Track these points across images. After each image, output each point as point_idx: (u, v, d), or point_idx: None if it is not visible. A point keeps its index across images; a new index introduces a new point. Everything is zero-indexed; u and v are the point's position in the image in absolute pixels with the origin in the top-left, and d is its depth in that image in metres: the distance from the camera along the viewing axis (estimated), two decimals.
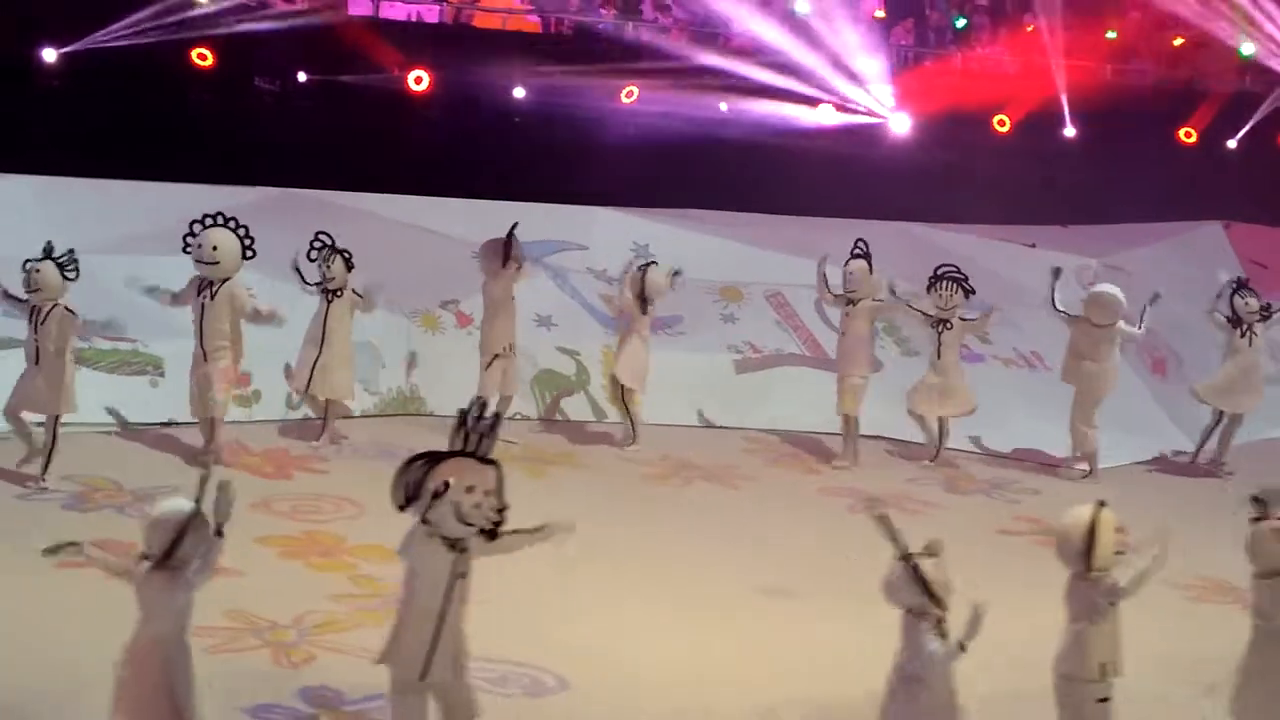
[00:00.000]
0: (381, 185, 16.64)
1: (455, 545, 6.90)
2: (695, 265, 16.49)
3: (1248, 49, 21.68)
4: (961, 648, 7.05)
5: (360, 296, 13.78)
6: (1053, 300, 15.10)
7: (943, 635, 7.13)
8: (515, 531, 7.18)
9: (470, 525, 6.85)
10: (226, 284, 12.64)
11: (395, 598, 8.01)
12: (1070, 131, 20.54)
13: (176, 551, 6.77)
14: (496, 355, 14.20)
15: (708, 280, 16.71)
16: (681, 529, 12.33)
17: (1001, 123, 20.35)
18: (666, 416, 15.40)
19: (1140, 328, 15.00)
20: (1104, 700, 7.63)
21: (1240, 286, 15.44)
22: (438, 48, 18.53)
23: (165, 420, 13.82)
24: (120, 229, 14.99)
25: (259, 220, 14.55)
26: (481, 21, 19.80)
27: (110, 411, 13.77)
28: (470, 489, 6.82)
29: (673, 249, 16.45)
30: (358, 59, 17.57)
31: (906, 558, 7.12)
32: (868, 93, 19.93)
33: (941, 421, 15.01)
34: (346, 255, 13.63)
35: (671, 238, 16.82)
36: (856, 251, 14.67)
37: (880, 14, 21.68)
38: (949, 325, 14.73)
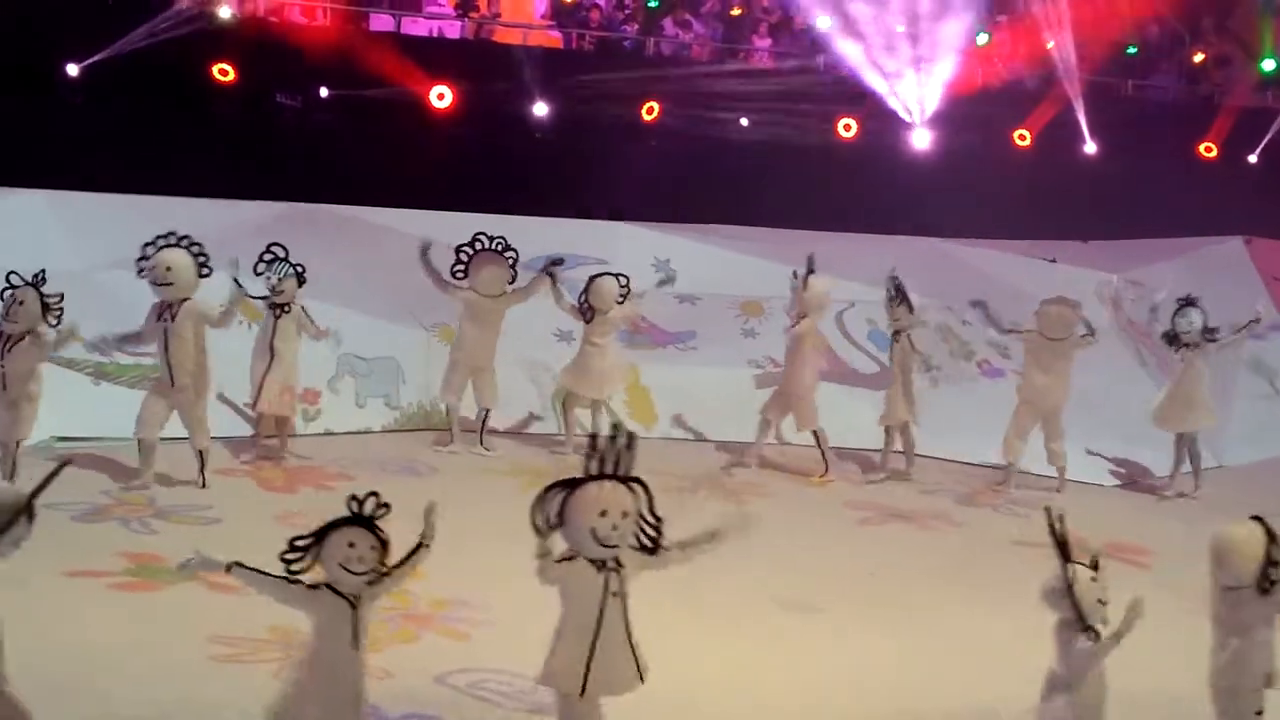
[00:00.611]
0: (402, 200, 16.64)
1: (603, 566, 6.95)
2: (716, 280, 16.57)
3: (1269, 65, 21.63)
4: (1117, 638, 7.13)
5: (310, 319, 13.56)
6: (996, 328, 15.06)
7: (1094, 640, 7.20)
8: (682, 544, 7.36)
9: (611, 548, 6.89)
10: (186, 304, 12.22)
11: (420, 613, 8.04)
12: (1091, 147, 20.47)
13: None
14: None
15: (728, 295, 16.73)
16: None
17: (1022, 137, 20.28)
18: (683, 431, 15.35)
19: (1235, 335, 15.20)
20: (1259, 713, 7.66)
21: (1184, 305, 15.17)
22: (459, 63, 18.52)
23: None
24: (141, 243, 15.01)
25: (281, 235, 14.64)
26: (503, 37, 19.82)
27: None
28: (604, 513, 6.85)
29: (693, 263, 16.49)
30: (379, 74, 17.56)
31: (1065, 569, 7.22)
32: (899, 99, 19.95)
33: (903, 430, 14.94)
34: (299, 270, 13.38)
35: (692, 252, 16.82)
36: (808, 269, 14.62)
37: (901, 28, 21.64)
38: (898, 338, 14.71)
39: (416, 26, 19.24)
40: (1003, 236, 19.13)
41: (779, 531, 12.81)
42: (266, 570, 7.02)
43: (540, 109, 18.48)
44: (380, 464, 13.90)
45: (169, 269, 12.11)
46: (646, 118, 18.82)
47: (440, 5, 19.87)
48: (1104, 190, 20.28)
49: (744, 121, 19.20)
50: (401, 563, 7.12)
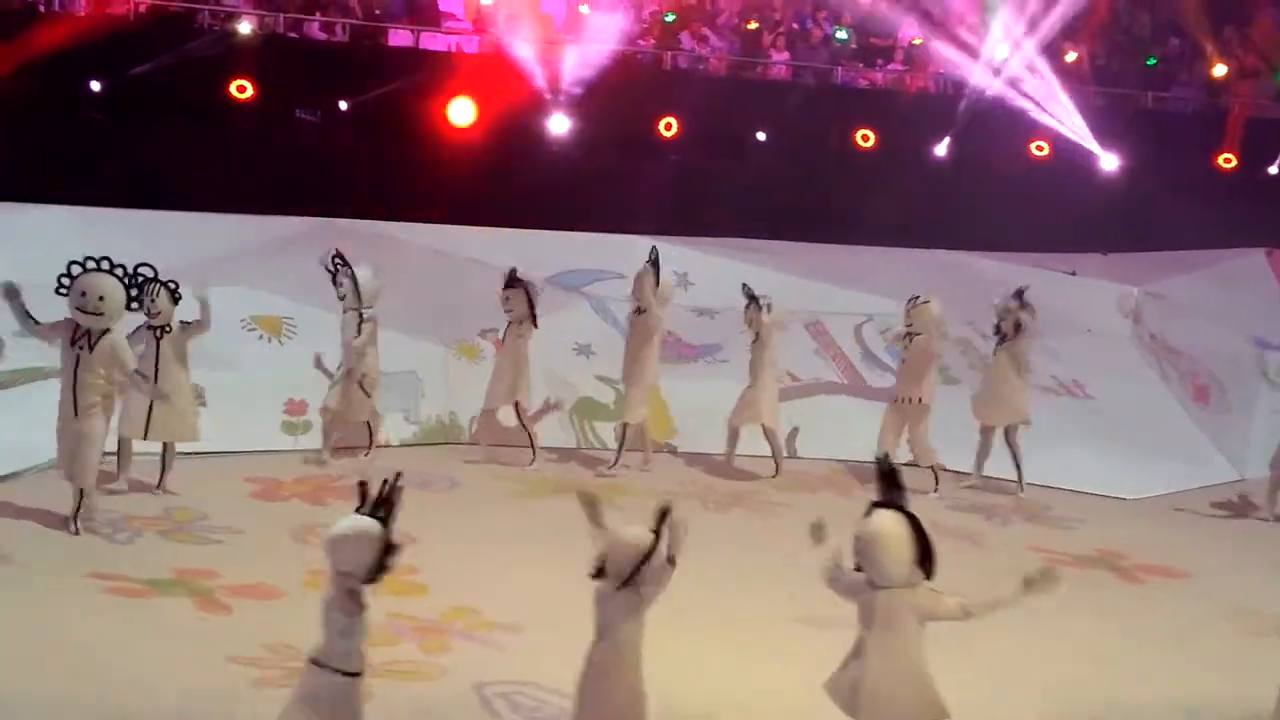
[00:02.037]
0: (421, 214, 16.71)
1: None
2: (735, 294, 16.54)
3: None
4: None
5: (188, 324, 12.60)
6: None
7: None
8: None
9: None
10: (107, 336, 11.41)
11: (439, 625, 8.08)
12: (1110, 159, 20.48)
13: (637, 575, 7.35)
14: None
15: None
16: (722, 557, 12.35)
17: (1040, 148, 20.29)
18: (707, 445, 15.43)
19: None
20: None
21: (1014, 297, 15.19)
22: (478, 78, 18.57)
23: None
24: (164, 259, 15.04)
25: (300, 249, 14.76)
26: (520, 51, 19.88)
27: None
28: None
29: (712, 277, 16.53)
30: (398, 89, 17.64)
31: None
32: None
33: (766, 432, 15.03)
34: (172, 287, 12.45)
35: (711, 266, 16.87)
36: (650, 260, 14.69)
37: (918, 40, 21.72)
38: (758, 342, 14.81)
39: (435, 42, 19.29)
40: (1022, 249, 19.13)
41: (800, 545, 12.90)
42: None
43: (558, 123, 18.52)
44: (405, 476, 13.93)
45: (102, 298, 11.36)
46: (665, 133, 18.83)
47: (458, 20, 19.93)
48: (1124, 202, 20.27)
49: (761, 136, 19.21)
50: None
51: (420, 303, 15.27)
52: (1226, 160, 20.87)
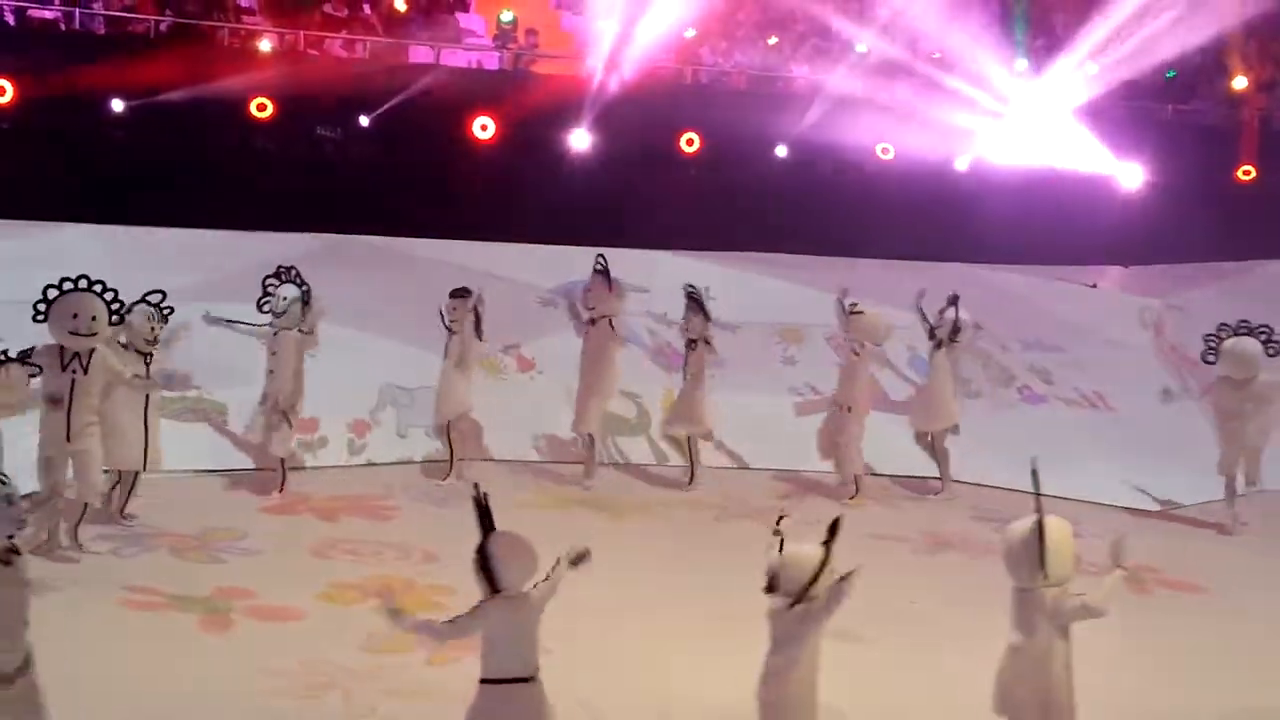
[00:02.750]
0: (444, 231, 16.74)
1: None
2: (756, 308, 16.61)
3: None
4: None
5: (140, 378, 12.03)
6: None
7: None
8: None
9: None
10: (97, 354, 11.35)
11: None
12: (1132, 172, 20.46)
13: (810, 591, 7.58)
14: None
15: (769, 323, 16.77)
16: (743, 571, 12.32)
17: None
18: (726, 459, 15.43)
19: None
20: None
21: (949, 305, 15.26)
22: (499, 94, 18.61)
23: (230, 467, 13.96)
24: (187, 277, 15.11)
25: (322, 266, 14.78)
26: (541, 67, 19.95)
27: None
28: None
29: (733, 291, 16.53)
30: (419, 106, 17.68)
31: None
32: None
33: (690, 441, 15.04)
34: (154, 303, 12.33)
35: (732, 280, 16.86)
36: (597, 267, 14.71)
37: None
38: (694, 346, 14.78)
39: (455, 58, 19.34)
40: (1042, 262, 19.13)
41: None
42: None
43: (580, 139, 18.55)
44: (423, 493, 14.02)
45: (94, 318, 11.32)
46: (687, 149, 18.84)
47: (479, 37, 20.00)
48: (1144, 215, 20.23)
49: (781, 152, 19.22)
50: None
51: (440, 319, 15.30)
52: (1246, 173, 20.83)
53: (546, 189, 18.07)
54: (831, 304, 15.32)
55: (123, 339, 12.09)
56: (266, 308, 13.49)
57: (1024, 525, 7.86)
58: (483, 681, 7.29)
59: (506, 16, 19.92)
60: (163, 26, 17.89)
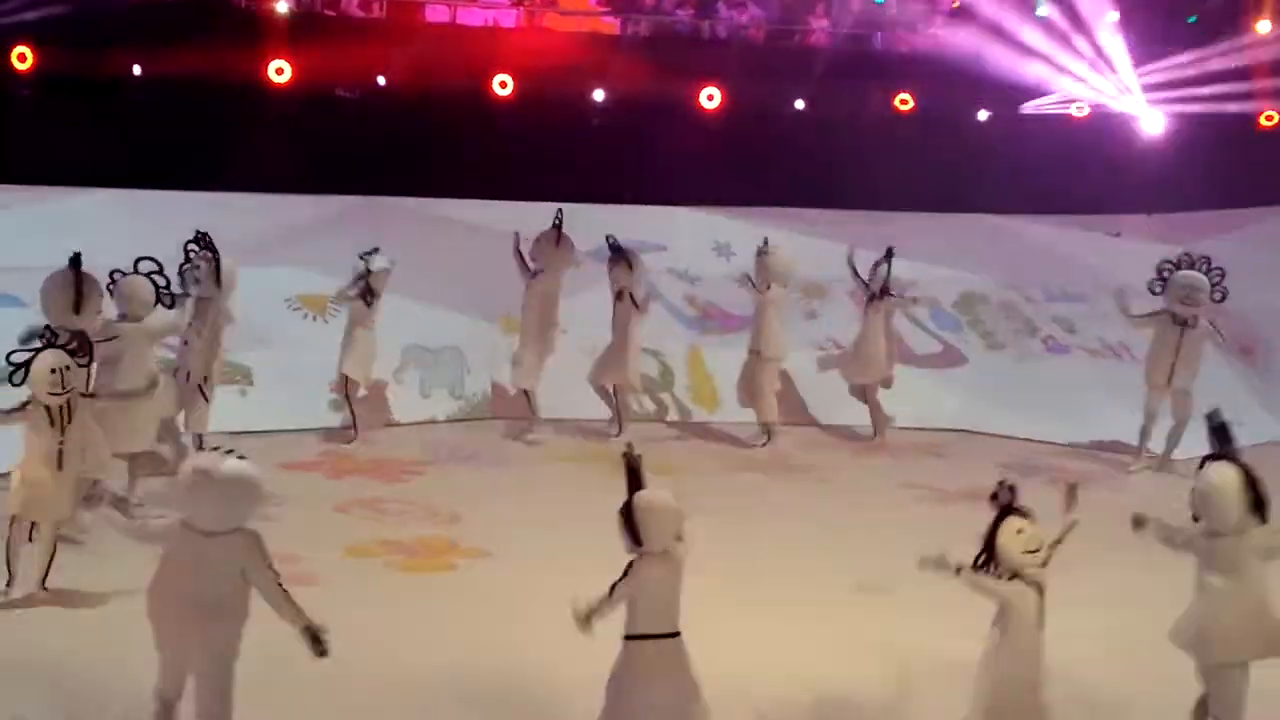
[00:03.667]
0: (463, 190, 16.78)
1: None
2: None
3: None
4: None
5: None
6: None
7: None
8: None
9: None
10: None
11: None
12: (1152, 119, 20.36)
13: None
14: None
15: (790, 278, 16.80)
16: (771, 522, 12.45)
17: (1080, 109, 20.19)
18: (750, 413, 15.51)
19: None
20: None
21: (884, 259, 15.41)
22: (515, 52, 18.60)
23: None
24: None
25: (344, 228, 14.86)
26: (557, 24, 19.92)
27: None
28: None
29: (753, 247, 16.54)
30: (437, 65, 17.66)
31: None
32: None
33: (617, 391, 15.13)
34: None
35: (752, 236, 16.84)
36: (555, 222, 14.85)
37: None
38: (620, 298, 14.85)
39: (472, 16, 19.31)
40: (1066, 211, 19.12)
41: (840, 510, 13.00)
42: None
43: (598, 95, 18.53)
44: (449, 452, 14.10)
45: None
46: (706, 103, 18.80)
47: None
48: (1166, 163, 20.14)
49: (799, 104, 19.18)
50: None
51: (464, 278, 15.38)
52: (1269, 119, 20.71)
53: (565, 146, 18.06)
54: (859, 260, 15.41)
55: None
56: (188, 275, 12.51)
57: (1230, 473, 7.96)
58: (630, 638, 7.46)
59: None
60: None
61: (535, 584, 9.92)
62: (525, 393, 14.92)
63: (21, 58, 16.04)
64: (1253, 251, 18.35)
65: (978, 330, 16.92)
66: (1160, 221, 19.38)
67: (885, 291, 15.26)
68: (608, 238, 14.98)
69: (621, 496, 7.48)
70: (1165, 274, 14.68)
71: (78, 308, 10.81)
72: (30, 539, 9.84)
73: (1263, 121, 20.56)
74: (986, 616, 7.71)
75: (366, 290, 14.05)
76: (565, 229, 14.81)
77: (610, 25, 20.03)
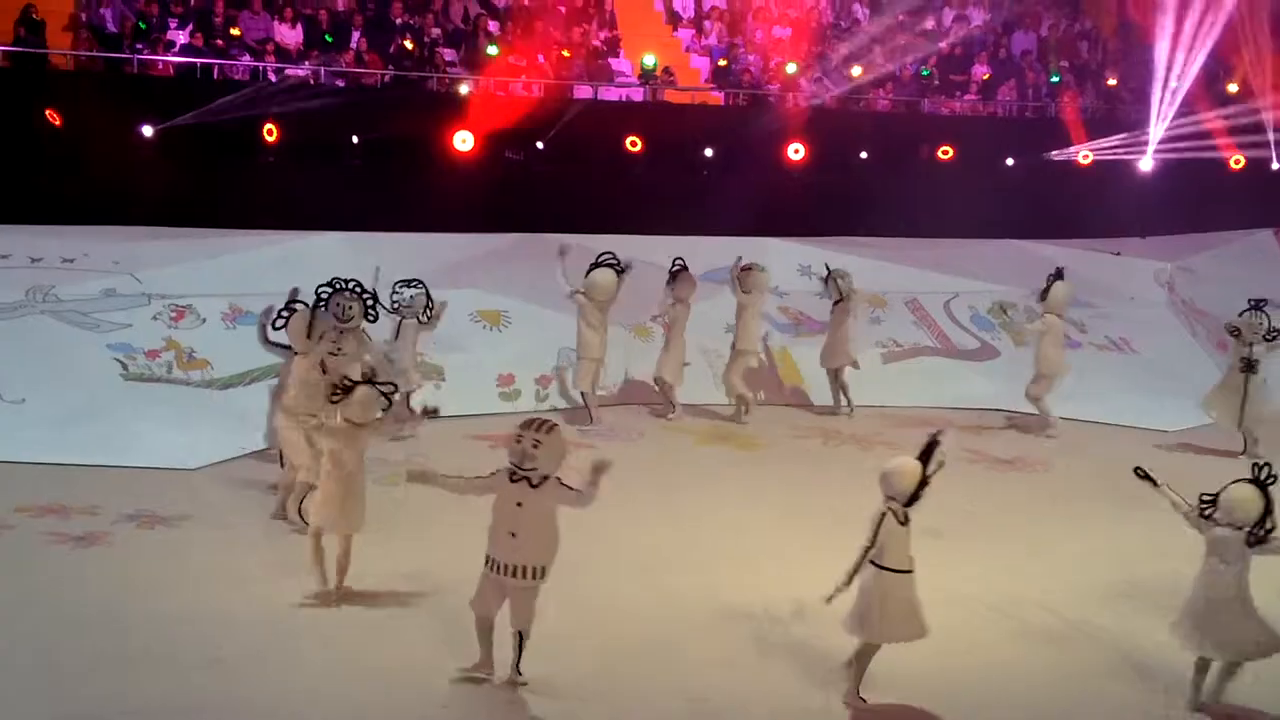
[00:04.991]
0: (603, 227, 16.71)
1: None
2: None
3: None
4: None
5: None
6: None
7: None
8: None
9: None
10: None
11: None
12: (1147, 163, 20.08)
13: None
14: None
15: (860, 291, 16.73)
16: (843, 482, 12.43)
17: (1085, 156, 19.94)
18: (825, 398, 15.42)
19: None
20: None
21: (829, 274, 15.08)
22: (643, 119, 18.63)
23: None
24: (414, 270, 15.12)
25: (512, 258, 14.99)
26: (674, 98, 19.97)
27: None
28: None
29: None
30: (582, 131, 17.73)
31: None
32: None
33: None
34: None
35: (826, 259, 16.83)
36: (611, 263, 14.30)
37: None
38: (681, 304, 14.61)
39: (609, 93, 19.42)
40: (1075, 236, 18.91)
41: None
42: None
43: (707, 152, 18.54)
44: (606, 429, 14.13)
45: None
46: (793, 156, 18.75)
47: (627, 76, 20.05)
48: (1159, 194, 19.83)
49: (863, 155, 19.08)
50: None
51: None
52: (1237, 161, 20.37)
53: (681, 192, 18.05)
54: (906, 275, 15.27)
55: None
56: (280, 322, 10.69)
57: None
58: (880, 567, 7.70)
59: (649, 61, 19.93)
60: (387, 78, 18.13)
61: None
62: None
63: (270, 132, 16.30)
64: (1225, 266, 18.14)
65: (1008, 330, 16.75)
66: (1152, 243, 19.13)
67: (844, 295, 15.00)
68: (676, 259, 14.66)
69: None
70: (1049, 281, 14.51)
71: (309, 333, 10.47)
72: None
73: (1232, 164, 20.24)
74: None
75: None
76: (686, 259, 14.74)
77: (716, 97, 20.04)
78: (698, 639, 8.75)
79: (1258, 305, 13.87)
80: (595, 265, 14.33)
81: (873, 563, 7.69)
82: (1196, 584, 7.96)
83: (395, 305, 13.33)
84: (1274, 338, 13.69)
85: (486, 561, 7.87)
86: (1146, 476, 8.19)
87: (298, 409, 10.19)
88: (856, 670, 7.90)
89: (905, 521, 7.71)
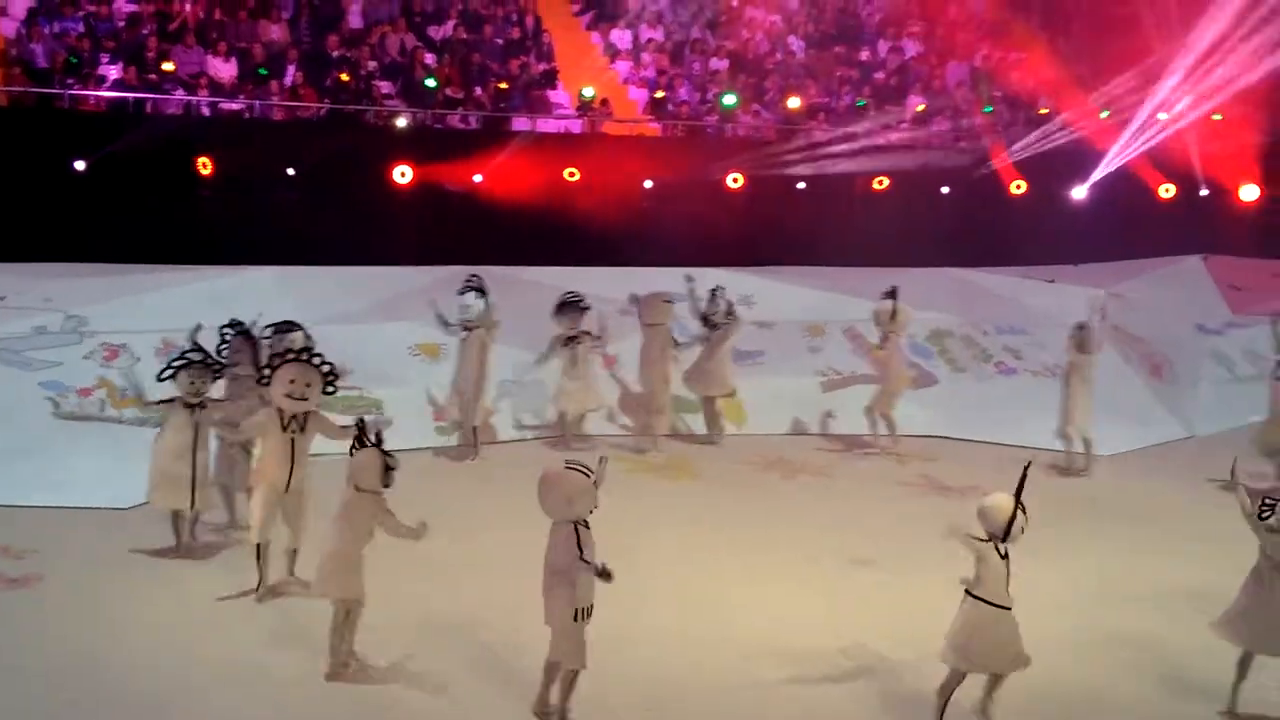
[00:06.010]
0: (542, 259, 16.66)
1: None
2: (786, 309, 16.68)
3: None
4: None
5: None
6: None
7: None
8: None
9: None
10: (314, 414, 9.78)
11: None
12: (1080, 192, 20.35)
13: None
14: None
15: (797, 320, 16.79)
16: (788, 512, 12.45)
17: (1018, 186, 20.17)
18: (770, 427, 15.46)
19: None
20: None
21: (714, 293, 15.02)
22: (581, 151, 18.63)
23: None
24: (347, 305, 15.15)
25: (452, 290, 14.80)
26: (612, 129, 20.01)
27: None
28: None
29: (767, 297, 16.58)
30: (521, 164, 17.72)
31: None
32: None
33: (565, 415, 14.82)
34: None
35: (765, 288, 16.93)
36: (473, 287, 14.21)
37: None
38: (578, 341, 14.53)
39: (548, 125, 19.42)
40: (1010, 264, 19.08)
41: (844, 501, 12.96)
42: None
43: (647, 183, 18.59)
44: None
45: (309, 385, 9.60)
46: (732, 184, 18.86)
47: (565, 108, 20.08)
48: (1090, 224, 20.06)
49: (800, 185, 19.21)
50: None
51: (541, 328, 15.29)
52: (1165, 190, 20.68)
53: (618, 222, 18.03)
54: (844, 304, 15.31)
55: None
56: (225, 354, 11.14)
57: None
58: (976, 598, 7.84)
59: (587, 92, 19.97)
60: (322, 112, 18.05)
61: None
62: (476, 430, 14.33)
63: (204, 166, 16.19)
64: (1155, 291, 18.38)
65: (945, 358, 16.85)
66: (1084, 270, 19.31)
67: (727, 319, 14.96)
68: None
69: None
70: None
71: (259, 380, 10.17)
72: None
73: (1160, 193, 20.54)
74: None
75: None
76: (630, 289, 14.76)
77: (654, 129, 20.10)
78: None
79: None
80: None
81: (969, 593, 7.88)
82: (1249, 583, 8.36)
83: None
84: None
85: None
86: (1231, 476, 8.71)
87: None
88: (940, 700, 8.08)
89: (1005, 556, 7.84)
